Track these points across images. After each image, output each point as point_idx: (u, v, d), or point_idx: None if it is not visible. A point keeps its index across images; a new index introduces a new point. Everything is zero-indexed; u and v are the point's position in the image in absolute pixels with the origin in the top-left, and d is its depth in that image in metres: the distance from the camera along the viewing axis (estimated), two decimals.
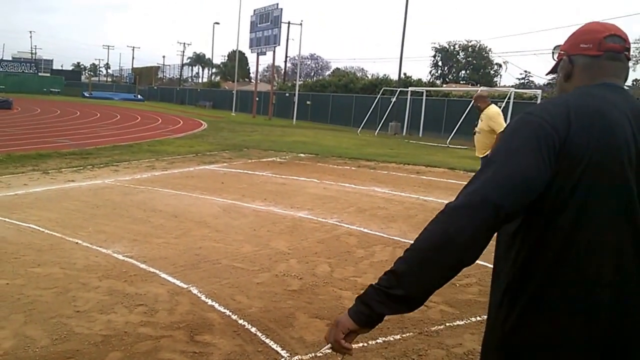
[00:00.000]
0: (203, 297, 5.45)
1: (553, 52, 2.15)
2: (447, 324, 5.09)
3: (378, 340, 4.67)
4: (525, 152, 1.74)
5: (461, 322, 5.15)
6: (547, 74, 2.29)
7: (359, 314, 1.84)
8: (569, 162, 1.74)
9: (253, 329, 4.79)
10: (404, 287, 1.77)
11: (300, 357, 4.34)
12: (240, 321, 4.94)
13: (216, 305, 5.27)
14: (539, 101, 27.30)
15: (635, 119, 1.82)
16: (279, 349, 4.46)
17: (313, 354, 4.39)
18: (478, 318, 5.25)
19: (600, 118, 1.79)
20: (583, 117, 1.78)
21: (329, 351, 1.99)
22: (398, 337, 4.78)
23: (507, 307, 1.92)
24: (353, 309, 1.86)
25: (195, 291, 5.60)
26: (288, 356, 4.35)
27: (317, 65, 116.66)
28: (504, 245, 2.05)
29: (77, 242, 7.11)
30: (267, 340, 4.60)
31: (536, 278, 1.86)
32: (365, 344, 4.59)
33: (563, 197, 1.77)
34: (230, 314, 5.09)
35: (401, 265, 1.80)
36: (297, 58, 67.55)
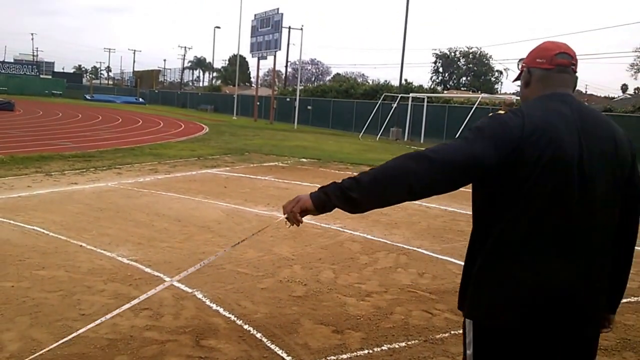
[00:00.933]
0: (208, 302, 5.46)
1: (518, 64, 2.60)
2: (453, 332, 5.09)
3: (383, 348, 4.68)
4: (484, 139, 2.21)
5: None
6: (513, 81, 2.71)
7: (319, 199, 2.34)
8: (521, 157, 2.18)
9: (258, 335, 4.80)
10: (359, 193, 2.24)
11: None
12: (246, 326, 4.95)
13: (221, 310, 5.27)
14: None
15: (581, 121, 2.29)
16: (284, 355, 4.46)
17: None
18: None
19: (553, 131, 2.22)
20: (537, 124, 2.22)
21: (284, 220, 2.50)
22: (403, 344, 4.78)
23: (472, 260, 2.51)
24: (315, 194, 2.35)
25: (200, 296, 5.61)
26: None
27: (317, 70, 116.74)
28: (475, 215, 2.59)
29: (81, 245, 7.12)
30: (273, 346, 4.60)
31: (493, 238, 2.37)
32: (371, 351, 4.59)
33: (517, 182, 2.23)
34: (236, 319, 5.10)
35: (365, 177, 2.27)
36: (297, 63, 67.61)
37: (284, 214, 2.47)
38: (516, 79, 2.57)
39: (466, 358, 2.45)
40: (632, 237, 2.49)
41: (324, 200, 2.33)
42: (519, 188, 2.23)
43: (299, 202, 2.39)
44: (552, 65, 2.39)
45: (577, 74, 2.45)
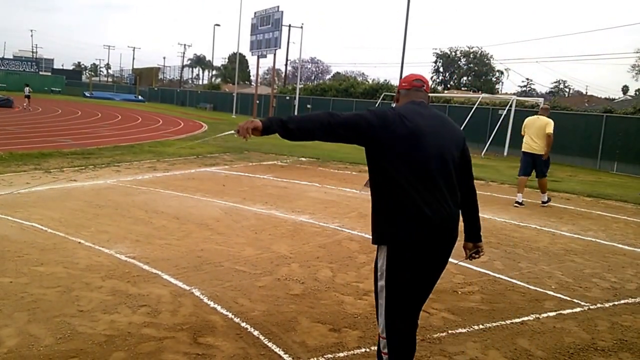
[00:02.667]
0: (205, 300, 5.46)
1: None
2: (450, 332, 5.10)
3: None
4: (372, 112, 3.43)
5: (463, 330, 5.16)
6: (393, 101, 4.13)
7: (266, 124, 3.32)
8: (394, 134, 3.38)
9: (256, 332, 4.80)
10: (293, 125, 3.31)
11: None
12: (243, 324, 4.95)
13: (219, 308, 5.28)
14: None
15: (434, 120, 3.59)
16: (281, 353, 4.46)
17: (315, 359, 4.40)
18: (480, 326, 5.26)
19: (415, 118, 3.48)
20: (406, 116, 3.46)
21: (234, 133, 3.44)
22: None
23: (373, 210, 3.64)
24: (264, 121, 3.34)
25: (197, 293, 5.61)
26: None
27: (317, 69, 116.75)
28: (371, 178, 3.60)
29: (79, 242, 7.12)
30: (270, 344, 4.60)
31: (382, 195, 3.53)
32: (368, 350, 4.60)
33: (387, 149, 3.40)
34: (233, 316, 5.10)
35: (298, 117, 3.41)
36: (297, 61, 67.60)
37: (238, 129, 3.38)
38: (395, 100, 3.94)
39: (380, 284, 3.54)
40: (472, 184, 3.84)
41: (269, 126, 3.32)
42: (392, 148, 3.39)
43: (253, 122, 3.36)
44: (410, 87, 3.79)
45: (428, 93, 3.85)
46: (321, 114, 3.38)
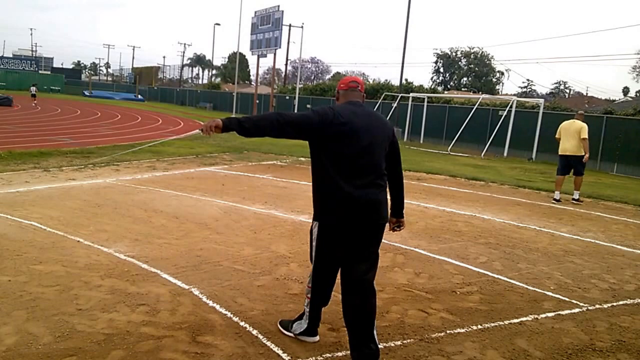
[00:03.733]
0: (204, 299, 5.46)
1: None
2: (448, 332, 5.10)
3: (379, 346, 4.68)
4: (314, 115, 4.14)
5: (462, 330, 5.16)
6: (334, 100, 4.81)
7: (226, 122, 4.00)
8: (333, 129, 4.13)
9: (254, 332, 4.80)
10: (249, 125, 4.02)
11: None
12: (242, 323, 4.96)
13: (217, 307, 5.28)
14: (541, 110, 27.33)
15: (367, 117, 4.35)
16: (280, 352, 4.47)
17: (314, 358, 4.40)
18: (479, 326, 5.26)
19: (350, 116, 4.22)
20: (343, 114, 4.21)
21: (199, 132, 4.18)
22: (399, 343, 4.80)
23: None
24: (225, 120, 4.01)
25: (196, 292, 5.61)
26: (289, 359, 4.36)
27: (317, 68, 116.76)
28: (312, 164, 4.34)
29: (78, 241, 7.12)
30: (269, 343, 4.61)
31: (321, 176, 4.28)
32: None
33: (327, 142, 4.17)
34: (232, 316, 5.11)
35: (254, 117, 4.14)
36: (297, 61, 67.61)
37: (203, 127, 4.10)
38: (335, 99, 4.65)
39: (312, 247, 4.47)
40: (400, 170, 4.63)
41: (228, 125, 4.01)
42: (330, 141, 4.17)
43: (215, 121, 4.03)
44: (347, 87, 4.55)
45: (363, 93, 4.63)
46: (272, 114, 4.17)
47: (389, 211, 4.56)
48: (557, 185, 13.62)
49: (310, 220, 4.42)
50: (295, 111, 45.21)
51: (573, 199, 13.48)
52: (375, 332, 4.34)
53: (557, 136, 13.81)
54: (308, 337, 4.72)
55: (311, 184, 4.34)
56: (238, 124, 4.02)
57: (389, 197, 4.50)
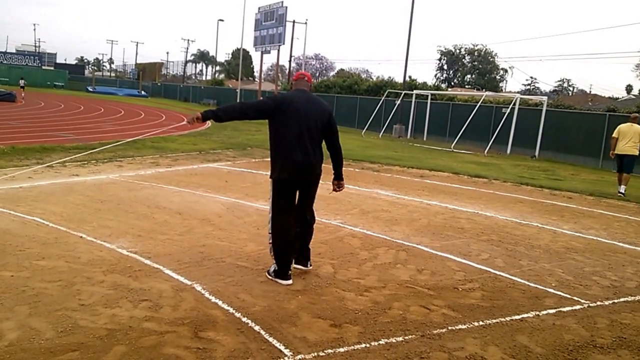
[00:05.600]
0: (207, 295, 5.48)
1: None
2: (450, 328, 5.11)
3: (381, 342, 4.69)
4: (269, 100, 6.07)
5: (463, 326, 5.16)
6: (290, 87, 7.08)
7: (204, 114, 5.79)
8: (281, 108, 5.86)
9: (256, 327, 4.81)
10: (222, 113, 5.89)
11: (303, 356, 4.36)
12: (244, 319, 4.96)
13: (220, 303, 5.29)
14: (544, 109, 27.28)
15: (308, 101, 6.00)
16: (282, 348, 4.48)
17: (316, 354, 4.41)
18: (480, 322, 5.27)
19: (295, 100, 5.94)
20: (290, 98, 5.98)
21: (184, 122, 6.11)
22: (400, 339, 4.80)
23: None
24: (203, 112, 5.82)
25: (199, 288, 5.63)
26: (291, 355, 4.37)
27: (321, 65, 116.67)
28: (269, 136, 5.99)
29: (81, 236, 7.14)
30: (271, 339, 4.62)
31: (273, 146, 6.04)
32: (368, 345, 4.61)
33: (278, 120, 5.90)
34: (234, 311, 5.12)
35: (225, 107, 6.10)
36: (301, 58, 67.58)
37: (188, 119, 5.90)
38: (290, 87, 6.37)
39: (270, 191, 6.04)
40: (338, 146, 6.23)
41: (205, 115, 5.78)
42: (280, 120, 5.83)
43: (196, 114, 5.79)
44: (297, 78, 6.26)
45: (310, 82, 6.29)
46: (237, 104, 6.62)
47: (333, 176, 6.41)
48: (620, 180, 15.20)
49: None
50: None
51: (619, 192, 14.92)
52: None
53: (614, 135, 15.37)
54: (281, 279, 5.98)
55: (269, 150, 6.10)
56: (213, 114, 5.84)
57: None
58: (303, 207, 6.19)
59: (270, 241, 6.05)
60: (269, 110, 5.88)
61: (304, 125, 5.82)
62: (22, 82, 51.32)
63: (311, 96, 6.08)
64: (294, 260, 6.17)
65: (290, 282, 5.93)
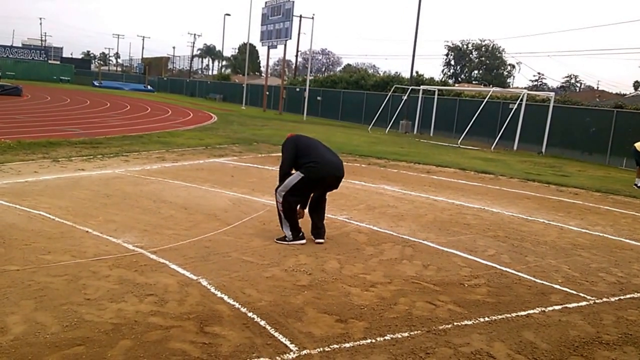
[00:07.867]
0: (213, 289, 5.47)
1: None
2: (455, 323, 5.10)
3: (386, 337, 4.68)
4: (291, 152, 7.45)
5: (469, 322, 5.15)
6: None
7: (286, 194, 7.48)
8: (301, 141, 7.60)
9: (262, 322, 4.81)
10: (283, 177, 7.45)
11: (308, 351, 4.35)
12: (250, 314, 4.96)
13: (225, 298, 5.29)
14: (551, 104, 27.21)
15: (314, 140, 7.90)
16: (287, 343, 4.47)
17: (322, 349, 4.40)
18: (486, 318, 5.25)
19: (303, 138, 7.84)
20: (297, 135, 7.85)
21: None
22: (406, 334, 4.79)
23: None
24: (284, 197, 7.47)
25: (205, 283, 5.62)
26: (297, 350, 4.36)
27: (328, 60, 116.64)
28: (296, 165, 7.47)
29: (87, 231, 7.15)
30: (276, 334, 4.61)
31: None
32: (374, 341, 4.60)
33: (301, 149, 7.47)
34: (240, 306, 5.11)
35: (281, 178, 7.43)
36: (308, 52, 67.42)
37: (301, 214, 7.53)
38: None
39: (296, 184, 7.28)
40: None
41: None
42: (303, 145, 7.51)
43: (300, 212, 7.55)
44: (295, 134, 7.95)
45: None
46: (281, 172, 7.44)
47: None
48: (638, 174, 16.60)
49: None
50: (306, 104, 45.15)
51: (635, 185, 16.25)
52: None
53: None
54: (299, 241, 7.32)
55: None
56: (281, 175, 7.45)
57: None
58: (322, 202, 7.71)
59: (282, 208, 7.31)
60: (295, 149, 7.39)
61: (320, 143, 7.71)
62: None
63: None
64: (314, 232, 7.56)
65: (304, 241, 7.35)
